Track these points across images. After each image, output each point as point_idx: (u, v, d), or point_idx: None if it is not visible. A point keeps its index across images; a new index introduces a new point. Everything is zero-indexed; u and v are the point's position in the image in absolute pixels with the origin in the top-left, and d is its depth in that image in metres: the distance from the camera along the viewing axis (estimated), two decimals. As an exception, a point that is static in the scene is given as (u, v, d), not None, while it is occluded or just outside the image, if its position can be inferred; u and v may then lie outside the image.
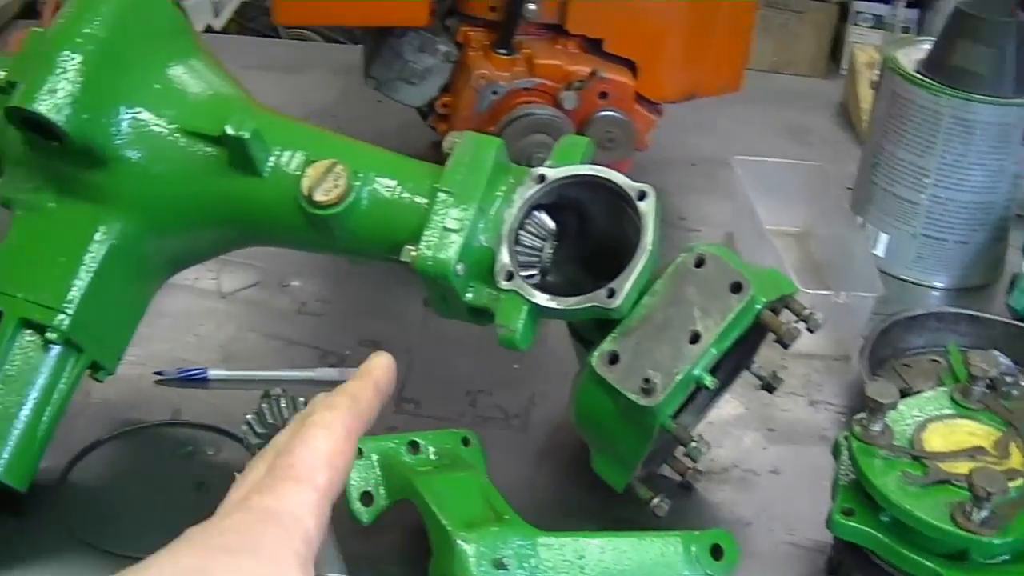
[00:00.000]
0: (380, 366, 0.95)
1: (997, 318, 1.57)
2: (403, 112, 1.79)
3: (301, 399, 1.27)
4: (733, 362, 1.31)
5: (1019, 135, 1.65)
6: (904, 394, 1.38)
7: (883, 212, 1.74)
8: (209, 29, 2.20)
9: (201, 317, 1.54)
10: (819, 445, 1.41)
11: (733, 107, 1.95)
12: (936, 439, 1.18)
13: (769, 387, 1.30)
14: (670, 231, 1.74)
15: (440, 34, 1.66)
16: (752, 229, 1.64)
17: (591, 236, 1.23)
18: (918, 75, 1.66)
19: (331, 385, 1.39)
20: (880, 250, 1.74)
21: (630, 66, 1.66)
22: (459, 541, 1.10)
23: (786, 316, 1.22)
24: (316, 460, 0.83)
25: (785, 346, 1.20)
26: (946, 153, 1.65)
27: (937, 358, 1.55)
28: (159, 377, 1.42)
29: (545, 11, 1.62)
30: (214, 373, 1.43)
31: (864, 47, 2.27)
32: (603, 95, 1.63)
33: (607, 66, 1.63)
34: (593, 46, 1.65)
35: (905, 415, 1.20)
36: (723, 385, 1.34)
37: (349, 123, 1.95)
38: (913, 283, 1.75)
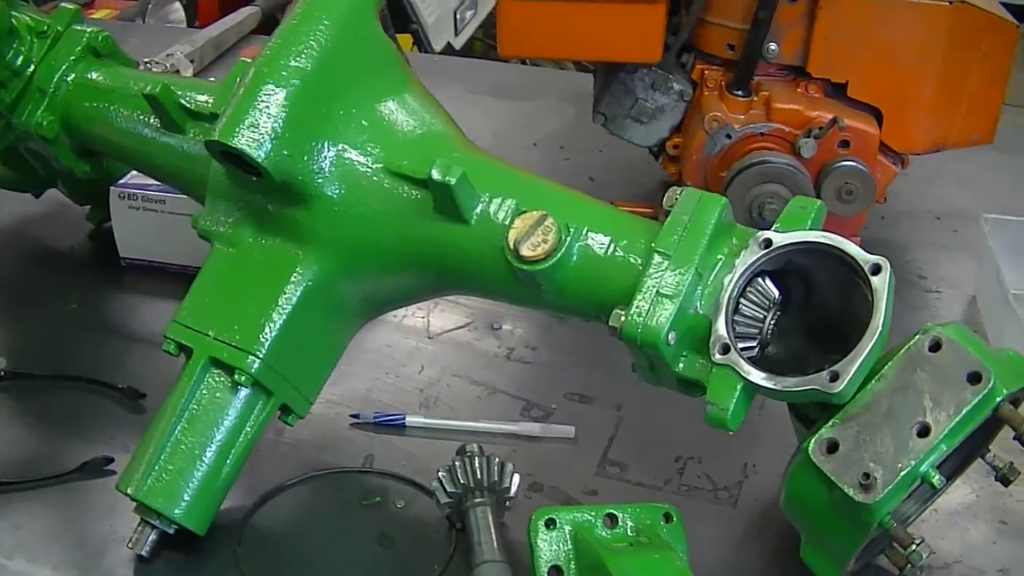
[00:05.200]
0: None
1: None
2: (635, 147, 1.70)
3: (496, 459, 1.21)
4: (966, 449, 1.19)
5: None
6: None
7: None
8: (449, 48, 2.16)
9: (405, 357, 1.49)
10: (1059, 545, 1.28)
11: (983, 154, 1.80)
12: None
13: (1005, 480, 1.17)
14: (907, 290, 1.62)
15: (674, 71, 1.58)
16: (998, 294, 1.51)
17: (817, 306, 1.13)
18: None
19: (532, 441, 1.36)
20: None
21: (875, 113, 1.54)
22: (645, 632, 1.02)
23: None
24: None
25: (1025, 445, 1.08)
26: None
27: None
28: (354, 420, 1.37)
29: (786, 51, 1.52)
30: (412, 420, 1.37)
31: None
32: (844, 144, 1.52)
33: (850, 112, 1.52)
34: (836, 91, 1.54)
35: None
36: (953, 475, 1.22)
37: (576, 155, 1.88)
38: None
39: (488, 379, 1.46)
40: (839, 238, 1.07)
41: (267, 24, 2.35)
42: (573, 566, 1.13)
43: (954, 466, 1.22)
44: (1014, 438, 1.08)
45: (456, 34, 2.42)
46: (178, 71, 1.93)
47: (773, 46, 1.51)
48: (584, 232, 1.11)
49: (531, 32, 1.52)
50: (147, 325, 1.54)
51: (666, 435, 1.38)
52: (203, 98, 1.30)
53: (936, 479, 1.03)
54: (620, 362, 1.46)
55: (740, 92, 1.53)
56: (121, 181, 1.59)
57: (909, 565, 1.17)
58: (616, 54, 1.54)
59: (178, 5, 2.89)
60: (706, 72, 1.56)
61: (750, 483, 1.32)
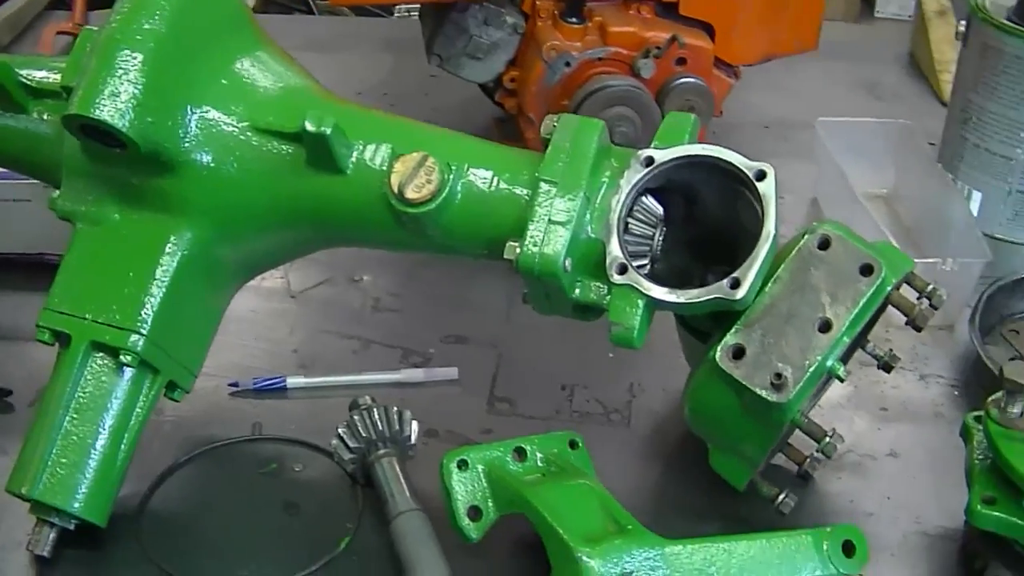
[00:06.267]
0: None
1: (1106, 276, 1.48)
2: (461, 87, 1.70)
3: (394, 408, 1.20)
4: (850, 344, 1.23)
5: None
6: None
7: (975, 169, 1.66)
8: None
9: (272, 320, 1.46)
10: (935, 423, 1.34)
11: (798, 63, 1.85)
12: (1077, 418, 1.10)
13: (887, 366, 1.22)
14: (751, 200, 1.66)
15: (505, 5, 1.57)
16: (841, 194, 1.56)
17: (700, 219, 1.15)
18: (1012, 24, 1.56)
19: (417, 388, 1.35)
20: (972, 208, 1.65)
21: (706, 29, 1.57)
22: (582, 557, 1.02)
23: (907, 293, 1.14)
24: None
25: (918, 329, 1.12)
26: (1044, 104, 1.56)
27: (1047, 322, 1.47)
28: (234, 389, 1.34)
29: (617, -25, 1.53)
30: (293, 381, 1.34)
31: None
32: (681, 61, 1.54)
33: (683, 30, 1.54)
34: (666, 10, 1.56)
35: (1041, 393, 1.12)
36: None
37: (403, 101, 1.86)
38: (1007, 242, 1.66)
39: (360, 332, 1.44)
40: (721, 149, 1.09)
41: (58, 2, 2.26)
42: (491, 503, 1.13)
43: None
44: (907, 323, 1.12)
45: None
46: (-22, 54, 1.85)
47: (604, -30, 1.52)
48: (466, 169, 1.10)
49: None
50: (-5, 320, 1.48)
51: (548, 366, 1.39)
52: (42, 74, 1.24)
53: (841, 371, 1.07)
54: (488, 300, 1.47)
55: (574, 19, 1.54)
56: (-57, 175, 1.51)
57: (807, 459, 1.21)
58: (453, -8, 1.53)
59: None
60: (537, 3, 1.55)
61: (638, 402, 1.34)
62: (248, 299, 1.47)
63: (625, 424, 1.31)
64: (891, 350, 1.19)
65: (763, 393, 1.04)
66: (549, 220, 1.06)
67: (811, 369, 1.04)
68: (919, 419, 1.34)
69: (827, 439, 1.09)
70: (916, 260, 1.33)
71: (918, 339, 1.42)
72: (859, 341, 1.23)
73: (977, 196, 1.66)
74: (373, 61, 1.76)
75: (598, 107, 1.49)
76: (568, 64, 1.54)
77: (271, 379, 1.34)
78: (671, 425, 1.29)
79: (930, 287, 1.14)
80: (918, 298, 1.14)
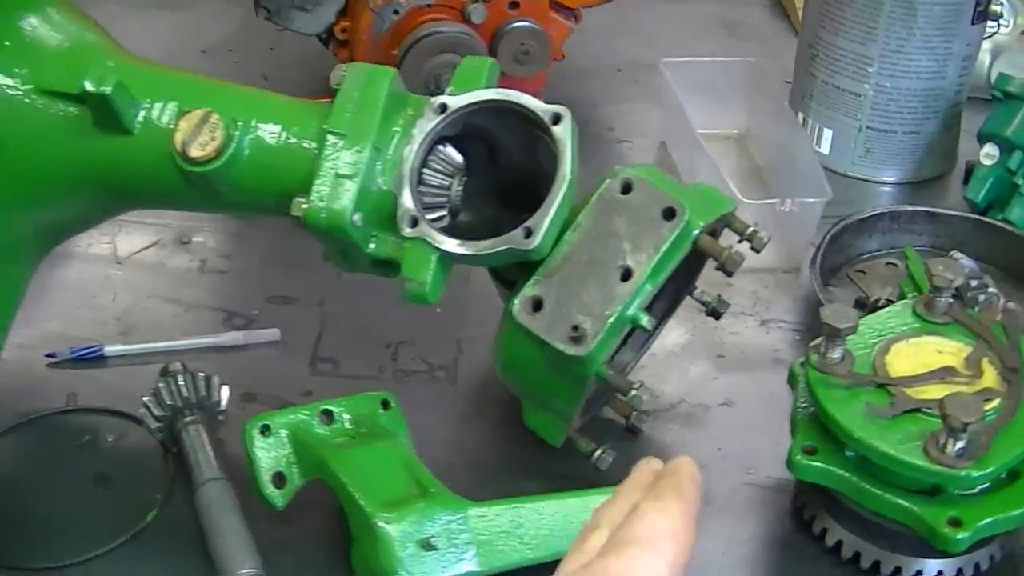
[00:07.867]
0: (685, 464, 0.83)
1: (955, 213, 1.46)
2: (307, 41, 1.65)
3: (201, 374, 1.17)
4: (673, 289, 1.20)
5: (968, 15, 1.53)
6: (861, 306, 1.29)
7: (825, 106, 1.63)
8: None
9: (95, 287, 1.41)
10: (773, 370, 1.30)
11: (656, 4, 1.82)
12: (901, 361, 1.07)
13: (716, 313, 1.20)
14: (600, 144, 1.63)
15: (332, -46, 1.53)
16: (685, 136, 1.52)
17: (504, 167, 1.11)
18: (853, -43, 1.53)
19: (238, 351, 1.31)
20: (824, 147, 1.64)
21: (540, -30, 1.53)
22: (380, 523, 1.00)
23: (729, 237, 1.11)
24: (659, 531, 0.74)
25: (729, 274, 1.08)
26: (889, 39, 1.54)
27: (894, 261, 1.44)
28: (51, 360, 1.29)
29: (442, -84, 1.49)
30: (111, 349, 1.30)
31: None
32: (514, 5, 1.51)
33: (515, -28, 1.50)
34: (496, -49, 1.53)
35: (865, 336, 1.09)
36: (664, 316, 1.23)
37: (246, 57, 1.81)
38: (861, 180, 1.64)
39: (183, 296, 1.40)
40: (515, 93, 1.05)
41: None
42: (296, 469, 1.09)
43: (665, 307, 1.23)
44: (717, 268, 1.09)
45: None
46: None
47: (420, -83, 1.48)
48: (253, 124, 1.06)
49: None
50: None
51: (374, 324, 1.35)
52: None
53: (645, 321, 1.03)
54: (318, 260, 1.42)
55: (401, -35, 1.50)
56: None
57: (634, 412, 1.18)
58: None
59: None
60: (365, -50, 1.52)
61: (465, 359, 1.31)
62: (73, 266, 1.42)
63: (450, 382, 1.28)
64: (720, 296, 1.17)
65: (561, 347, 1.01)
66: (336, 174, 1.02)
67: (611, 320, 1.01)
68: (757, 366, 1.31)
69: (633, 392, 1.06)
70: (753, 202, 1.31)
71: (761, 283, 1.40)
72: (686, 287, 1.21)
73: (828, 134, 1.63)
74: (220, 18, 1.71)
75: (427, 54, 1.45)
76: (396, 12, 1.50)
77: (88, 347, 1.29)
78: (497, 382, 1.25)
79: (750, 229, 1.11)
80: (739, 241, 1.11)
